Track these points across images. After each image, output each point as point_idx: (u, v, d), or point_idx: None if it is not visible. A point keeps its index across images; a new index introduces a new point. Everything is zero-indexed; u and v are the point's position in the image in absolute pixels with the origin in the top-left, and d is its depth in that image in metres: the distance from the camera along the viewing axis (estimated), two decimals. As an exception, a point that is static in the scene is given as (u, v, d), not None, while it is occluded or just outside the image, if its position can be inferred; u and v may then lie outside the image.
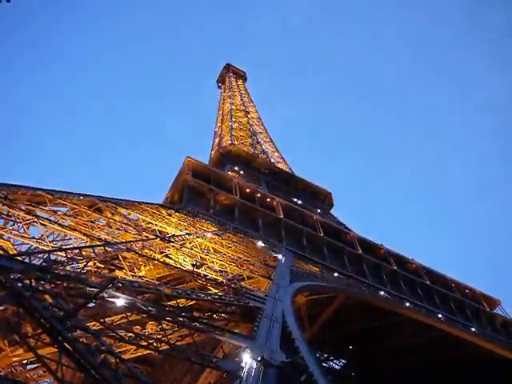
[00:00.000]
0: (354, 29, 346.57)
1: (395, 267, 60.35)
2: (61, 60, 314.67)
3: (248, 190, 56.58)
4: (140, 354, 15.39)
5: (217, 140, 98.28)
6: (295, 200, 70.97)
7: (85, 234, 20.05)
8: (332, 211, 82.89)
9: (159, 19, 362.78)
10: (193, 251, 25.56)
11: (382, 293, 46.00)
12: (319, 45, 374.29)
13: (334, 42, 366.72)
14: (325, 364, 52.74)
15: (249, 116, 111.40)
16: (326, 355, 53.95)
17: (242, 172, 72.47)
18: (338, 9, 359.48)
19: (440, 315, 49.60)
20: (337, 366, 54.14)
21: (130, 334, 12.42)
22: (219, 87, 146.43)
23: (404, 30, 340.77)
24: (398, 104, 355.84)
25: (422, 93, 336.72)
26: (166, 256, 22.84)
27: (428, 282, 61.57)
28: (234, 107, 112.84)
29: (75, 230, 20.42)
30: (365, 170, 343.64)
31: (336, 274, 45.68)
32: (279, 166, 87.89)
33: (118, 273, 18.89)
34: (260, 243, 37.72)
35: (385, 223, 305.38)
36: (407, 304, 45.94)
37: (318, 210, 74.39)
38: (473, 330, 49.89)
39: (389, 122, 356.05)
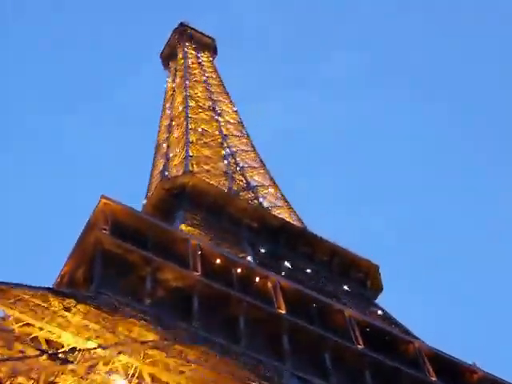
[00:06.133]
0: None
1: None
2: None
3: (218, 261, 35.95)
4: None
5: (159, 164, 63.47)
6: (309, 276, 47.97)
7: None
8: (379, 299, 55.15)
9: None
10: (111, 381, 18.47)
11: None
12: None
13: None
14: None
15: (221, 118, 72.91)
16: None
17: (207, 225, 47.27)
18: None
19: None
20: None
21: None
22: (165, 66, 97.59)
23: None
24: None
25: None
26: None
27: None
28: (192, 102, 72.17)
29: None
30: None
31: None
32: (278, 213, 58.45)
33: None
34: (241, 365, 28.16)
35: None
36: None
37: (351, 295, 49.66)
38: None
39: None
